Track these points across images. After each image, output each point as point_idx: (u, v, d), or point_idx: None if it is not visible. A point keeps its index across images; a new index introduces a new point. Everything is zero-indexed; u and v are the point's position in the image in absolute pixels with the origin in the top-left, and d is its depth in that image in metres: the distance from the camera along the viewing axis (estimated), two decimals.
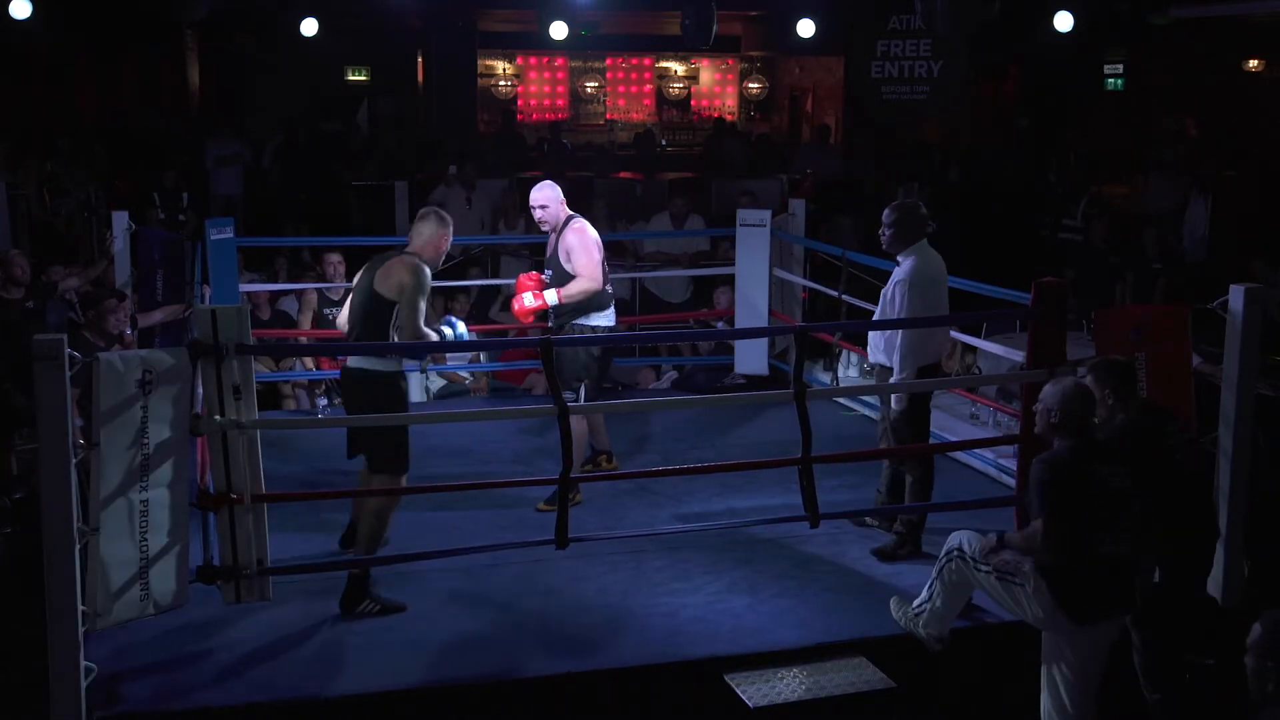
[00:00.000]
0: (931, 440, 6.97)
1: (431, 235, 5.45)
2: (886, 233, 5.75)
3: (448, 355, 8.75)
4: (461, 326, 5.75)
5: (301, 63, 15.43)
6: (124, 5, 13.87)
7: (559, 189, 6.36)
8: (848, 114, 17.24)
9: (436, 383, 8.93)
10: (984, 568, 4.51)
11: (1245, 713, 3.39)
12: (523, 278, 6.45)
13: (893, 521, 5.93)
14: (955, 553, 4.63)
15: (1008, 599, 4.48)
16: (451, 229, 5.60)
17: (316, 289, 8.67)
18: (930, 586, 4.78)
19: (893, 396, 5.75)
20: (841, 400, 8.09)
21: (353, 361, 5.32)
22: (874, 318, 5.98)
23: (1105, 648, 4.41)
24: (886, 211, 5.79)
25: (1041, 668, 4.48)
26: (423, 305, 5.32)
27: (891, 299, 5.68)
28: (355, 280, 5.55)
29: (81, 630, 4.21)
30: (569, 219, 6.30)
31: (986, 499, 6.08)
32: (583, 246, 6.22)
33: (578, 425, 6.09)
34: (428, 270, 5.33)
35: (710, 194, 12.97)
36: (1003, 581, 4.45)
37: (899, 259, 5.75)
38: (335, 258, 8.59)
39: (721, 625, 5.05)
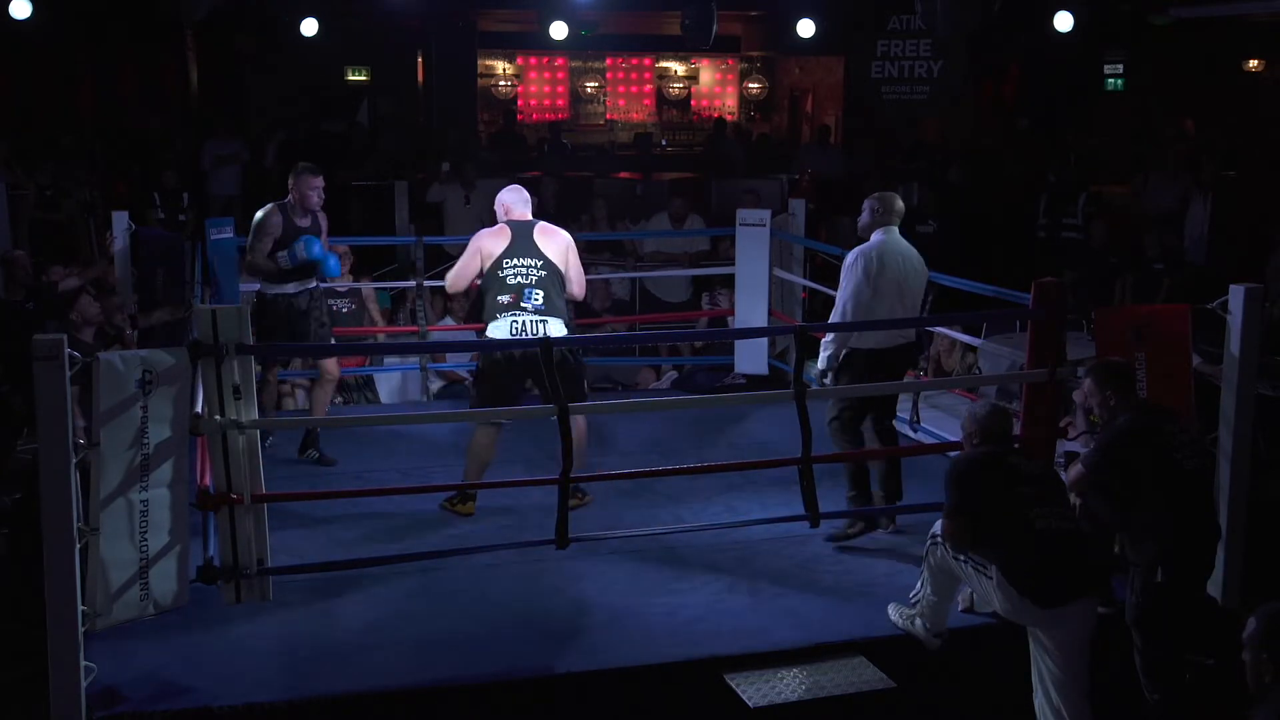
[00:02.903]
0: (927, 439, 7.00)
1: (290, 186, 6.83)
2: (864, 217, 5.99)
3: (448, 355, 8.77)
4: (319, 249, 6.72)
5: (301, 63, 15.43)
6: (124, 5, 13.87)
7: (516, 195, 6.25)
8: (848, 114, 17.24)
9: (436, 383, 8.93)
10: (960, 556, 4.57)
11: (1244, 706, 3.39)
12: None
13: (891, 521, 5.97)
14: (938, 538, 4.69)
15: (981, 590, 4.58)
16: (310, 176, 6.81)
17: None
18: (920, 576, 4.85)
19: (820, 363, 5.93)
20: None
21: None
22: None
23: (1083, 638, 4.44)
24: (868, 200, 6.04)
25: (1031, 668, 4.51)
26: (255, 242, 6.73)
27: (848, 266, 5.86)
28: None
29: (81, 630, 4.21)
30: (504, 223, 6.18)
31: None
32: (467, 248, 6.19)
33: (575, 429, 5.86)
34: (264, 213, 6.78)
35: (710, 194, 12.98)
36: (976, 572, 4.52)
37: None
38: (342, 249, 8.67)
39: (721, 625, 5.05)
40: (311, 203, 6.84)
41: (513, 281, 5.95)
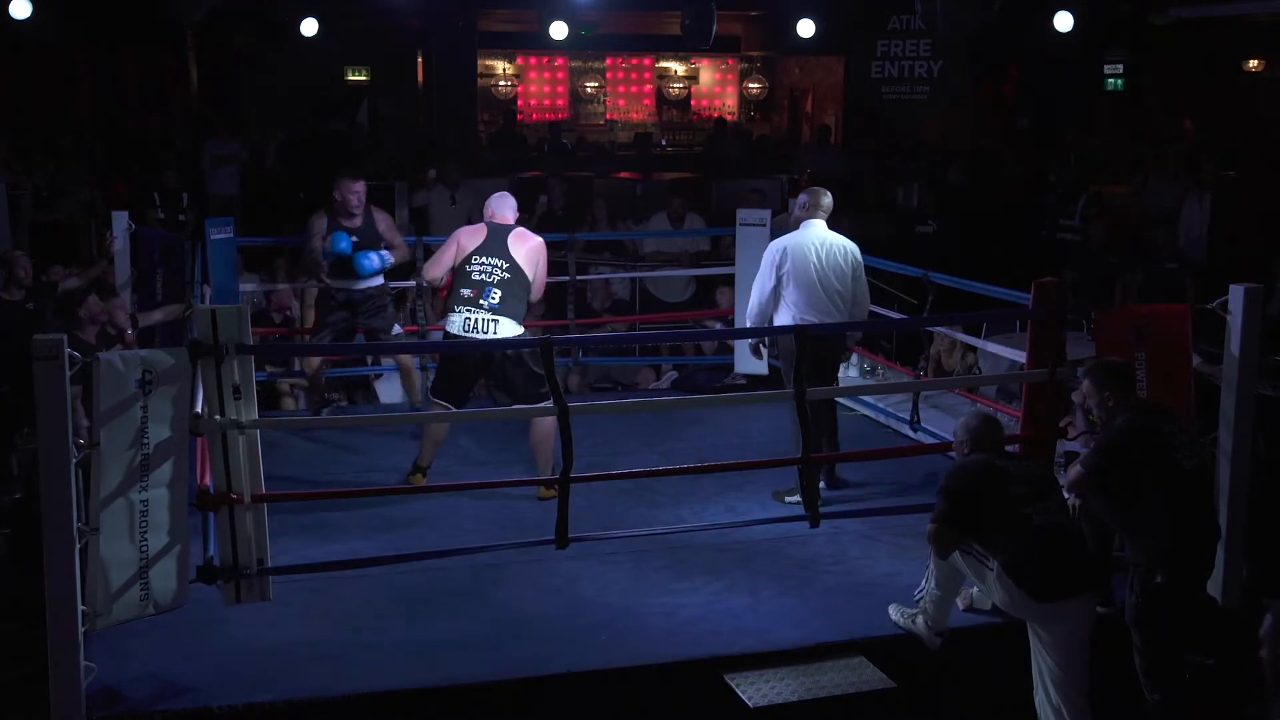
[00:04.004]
0: (923, 437, 7.00)
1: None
2: (795, 211, 6.58)
3: None
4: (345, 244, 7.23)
5: (301, 63, 15.44)
6: (124, 5, 13.87)
7: (502, 201, 6.49)
8: (848, 114, 17.24)
9: None
10: (962, 548, 4.58)
11: (1262, 703, 3.39)
12: None
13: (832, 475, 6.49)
14: None
15: (982, 584, 4.60)
16: (348, 180, 7.34)
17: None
18: (926, 571, 4.86)
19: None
20: (841, 400, 8.08)
21: None
22: None
23: (1082, 635, 4.45)
24: (801, 194, 6.63)
25: (1031, 666, 4.51)
26: (304, 242, 7.41)
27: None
28: None
29: (81, 630, 4.21)
30: (485, 223, 6.47)
31: None
32: (446, 240, 6.55)
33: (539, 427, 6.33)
34: (313, 216, 7.39)
35: (710, 194, 12.98)
36: (978, 564, 4.54)
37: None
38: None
39: (721, 625, 5.05)
40: (351, 205, 7.34)
41: (476, 278, 6.24)
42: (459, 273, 6.29)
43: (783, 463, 5.89)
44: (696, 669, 4.75)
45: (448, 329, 6.29)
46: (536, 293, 6.51)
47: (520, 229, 6.43)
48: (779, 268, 6.30)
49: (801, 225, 6.44)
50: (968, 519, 4.50)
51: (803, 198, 6.55)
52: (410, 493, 6.24)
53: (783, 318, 6.32)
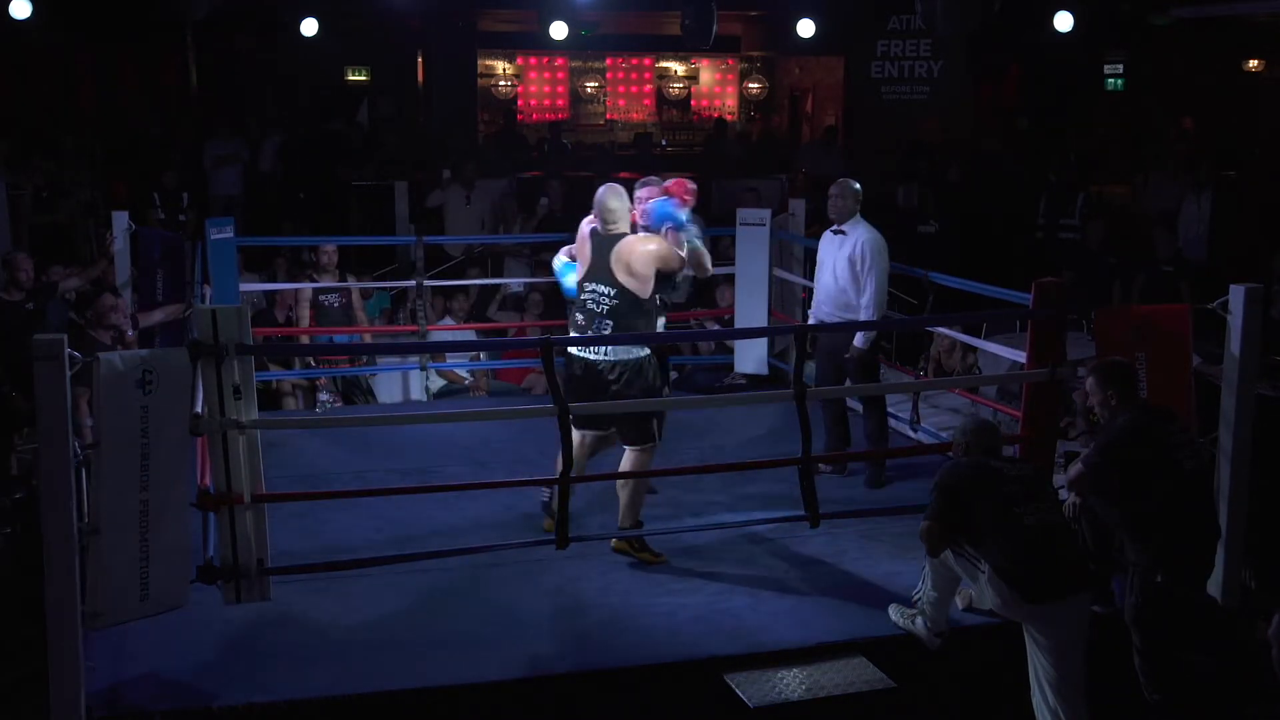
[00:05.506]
0: (923, 437, 7.01)
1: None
2: (843, 203, 6.68)
3: (447, 355, 8.77)
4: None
5: (301, 63, 15.44)
6: (124, 5, 13.87)
7: (602, 200, 5.68)
8: (848, 114, 17.24)
9: (437, 382, 8.92)
10: (954, 551, 4.59)
11: (1271, 702, 3.40)
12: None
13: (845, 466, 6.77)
14: None
15: (976, 586, 4.60)
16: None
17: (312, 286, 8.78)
18: (922, 572, 4.87)
19: (858, 335, 6.56)
20: None
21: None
22: (836, 277, 6.68)
23: (1077, 636, 4.45)
24: (834, 187, 6.79)
25: (1028, 667, 4.52)
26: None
27: (861, 257, 6.56)
28: None
29: (81, 630, 4.21)
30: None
31: None
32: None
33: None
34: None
35: (710, 194, 12.96)
36: (970, 566, 4.55)
37: (844, 228, 6.68)
38: (329, 248, 8.88)
39: (721, 625, 5.05)
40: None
41: (590, 308, 5.63)
42: (575, 297, 5.73)
43: (782, 463, 5.89)
44: (696, 669, 4.76)
45: (569, 351, 5.66)
46: (677, 264, 5.66)
47: (628, 239, 5.59)
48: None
49: (861, 218, 6.66)
50: (960, 517, 4.49)
51: (852, 190, 6.68)
52: (410, 493, 6.23)
53: (881, 309, 6.62)
